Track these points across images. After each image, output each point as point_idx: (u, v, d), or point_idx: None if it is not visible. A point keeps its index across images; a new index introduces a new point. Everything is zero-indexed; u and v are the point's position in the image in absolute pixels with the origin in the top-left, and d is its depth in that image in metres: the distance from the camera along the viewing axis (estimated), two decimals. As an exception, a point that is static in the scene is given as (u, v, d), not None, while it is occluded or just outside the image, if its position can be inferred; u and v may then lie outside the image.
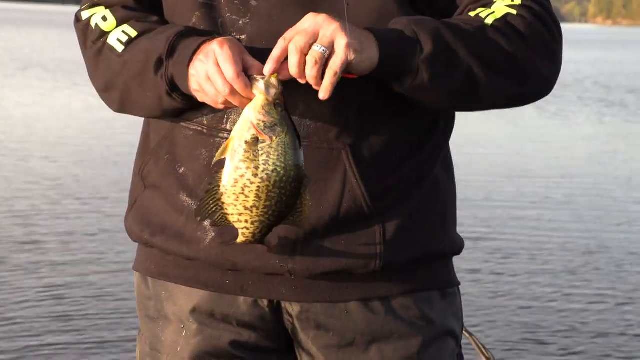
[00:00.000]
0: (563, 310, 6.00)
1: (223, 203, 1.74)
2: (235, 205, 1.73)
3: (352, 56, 1.65)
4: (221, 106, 1.74)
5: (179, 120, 1.88)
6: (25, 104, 15.92)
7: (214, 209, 1.74)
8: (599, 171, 11.40)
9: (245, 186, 1.70)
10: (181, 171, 1.89)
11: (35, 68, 23.48)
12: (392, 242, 1.85)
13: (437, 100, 1.82)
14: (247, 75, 1.68)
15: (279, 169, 1.69)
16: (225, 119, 1.83)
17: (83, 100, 16.04)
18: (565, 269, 6.92)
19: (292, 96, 1.73)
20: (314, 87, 1.67)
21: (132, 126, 11.31)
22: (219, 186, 1.73)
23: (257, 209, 1.72)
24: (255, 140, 1.69)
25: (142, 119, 2.00)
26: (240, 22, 1.81)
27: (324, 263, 1.84)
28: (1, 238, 7.02)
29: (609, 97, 21.39)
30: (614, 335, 5.56)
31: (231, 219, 1.75)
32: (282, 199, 1.71)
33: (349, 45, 1.65)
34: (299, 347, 1.92)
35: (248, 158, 1.69)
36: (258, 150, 1.69)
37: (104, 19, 1.88)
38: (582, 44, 65.05)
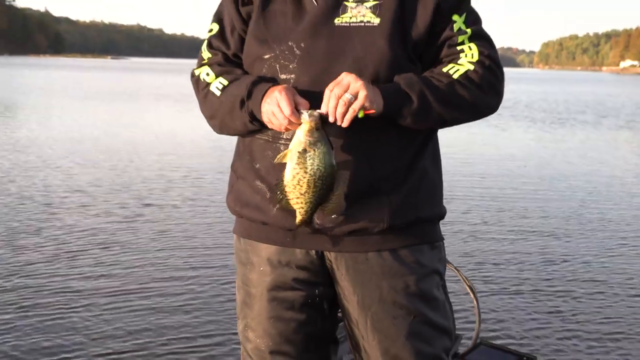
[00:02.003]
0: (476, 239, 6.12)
1: (286, 192, 1.74)
2: (294, 192, 1.73)
3: (367, 103, 1.68)
4: (283, 130, 1.76)
5: (254, 134, 1.88)
6: (164, 123, 15.87)
7: (281, 197, 1.76)
8: (522, 159, 11.42)
9: (300, 180, 1.71)
10: (257, 166, 1.88)
11: (167, 99, 23.78)
12: (395, 210, 1.82)
13: (420, 128, 1.84)
14: (297, 109, 1.70)
15: (321, 168, 1.70)
16: (282, 133, 1.82)
17: (194, 122, 15.71)
18: (487, 217, 7.05)
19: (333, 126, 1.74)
20: (339, 120, 1.69)
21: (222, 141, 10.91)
22: (282, 181, 1.74)
23: (308, 194, 1.72)
24: (304, 151, 1.70)
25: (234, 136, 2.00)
26: (290, 66, 1.80)
27: (350, 225, 1.82)
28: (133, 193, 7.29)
29: (532, 115, 21.05)
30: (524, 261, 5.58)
31: (291, 202, 1.75)
32: (323, 187, 1.72)
33: (367, 97, 1.68)
34: (336, 282, 1.91)
35: (301, 162, 1.70)
36: (306, 158, 1.70)
37: (207, 74, 1.90)
38: (527, 81, 64.40)
